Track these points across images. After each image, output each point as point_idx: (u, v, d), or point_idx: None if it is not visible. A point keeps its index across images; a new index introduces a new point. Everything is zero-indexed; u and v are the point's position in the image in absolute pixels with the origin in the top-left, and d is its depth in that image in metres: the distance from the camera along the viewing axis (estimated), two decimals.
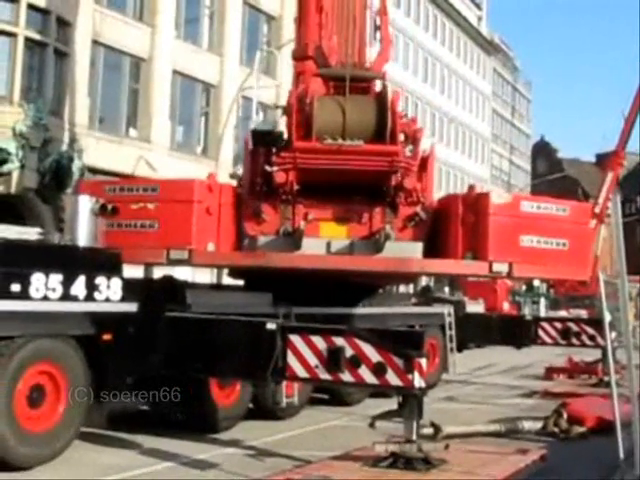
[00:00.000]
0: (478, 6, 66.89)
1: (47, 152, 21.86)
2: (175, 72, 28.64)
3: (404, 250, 10.46)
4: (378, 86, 11.88)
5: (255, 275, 11.37)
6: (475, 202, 10.63)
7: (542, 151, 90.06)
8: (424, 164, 11.18)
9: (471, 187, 11.24)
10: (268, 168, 10.53)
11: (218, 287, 12.63)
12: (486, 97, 67.28)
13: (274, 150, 10.61)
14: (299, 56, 11.66)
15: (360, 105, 10.83)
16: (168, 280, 10.16)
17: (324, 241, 10.51)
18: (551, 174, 74.08)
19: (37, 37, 22.39)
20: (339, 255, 10.45)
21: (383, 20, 12.26)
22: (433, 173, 11.55)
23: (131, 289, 8.71)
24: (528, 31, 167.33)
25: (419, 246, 10.57)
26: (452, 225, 10.67)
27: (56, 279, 7.89)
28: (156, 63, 27.76)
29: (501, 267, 10.29)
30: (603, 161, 52.48)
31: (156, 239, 9.87)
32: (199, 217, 10.27)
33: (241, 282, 12.31)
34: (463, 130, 61.72)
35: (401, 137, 10.73)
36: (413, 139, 10.96)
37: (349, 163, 10.28)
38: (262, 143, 10.94)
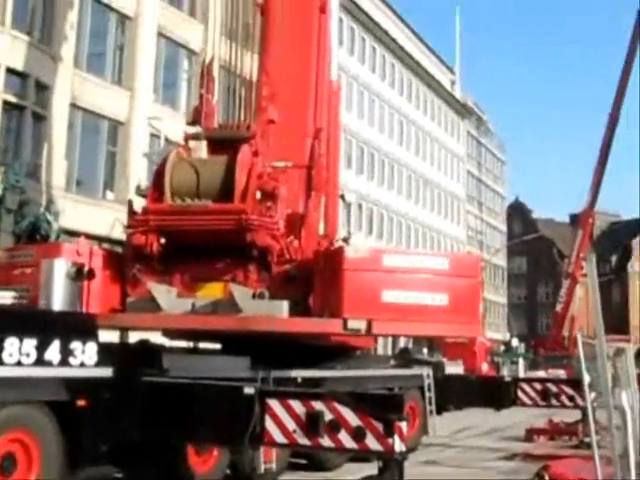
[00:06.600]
0: (451, 70, 68.45)
1: (23, 214, 21.76)
2: (153, 135, 28.82)
3: (269, 309, 10.16)
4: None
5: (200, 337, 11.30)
6: (332, 257, 10.48)
7: (517, 212, 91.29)
8: (302, 222, 11.14)
9: (331, 243, 11.03)
10: (125, 231, 10.66)
11: (195, 351, 12.47)
12: (460, 159, 68.30)
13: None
14: (188, 121, 11.99)
15: (215, 166, 10.87)
16: (144, 344, 10.05)
17: (190, 301, 10.36)
18: (526, 234, 74.87)
19: (15, 100, 22.56)
20: (191, 315, 10.22)
21: (258, 85, 12.24)
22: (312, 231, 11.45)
23: (107, 354, 8.57)
24: (502, 94, 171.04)
25: (284, 305, 10.24)
26: (316, 281, 10.56)
27: (30, 344, 7.75)
28: (134, 126, 27.95)
29: (358, 324, 9.87)
30: (576, 220, 53.28)
31: (30, 303, 9.71)
32: None
33: (218, 345, 12.19)
34: (439, 192, 62.43)
35: (258, 195, 10.55)
36: (272, 197, 10.70)
37: (197, 223, 10.27)
38: None
